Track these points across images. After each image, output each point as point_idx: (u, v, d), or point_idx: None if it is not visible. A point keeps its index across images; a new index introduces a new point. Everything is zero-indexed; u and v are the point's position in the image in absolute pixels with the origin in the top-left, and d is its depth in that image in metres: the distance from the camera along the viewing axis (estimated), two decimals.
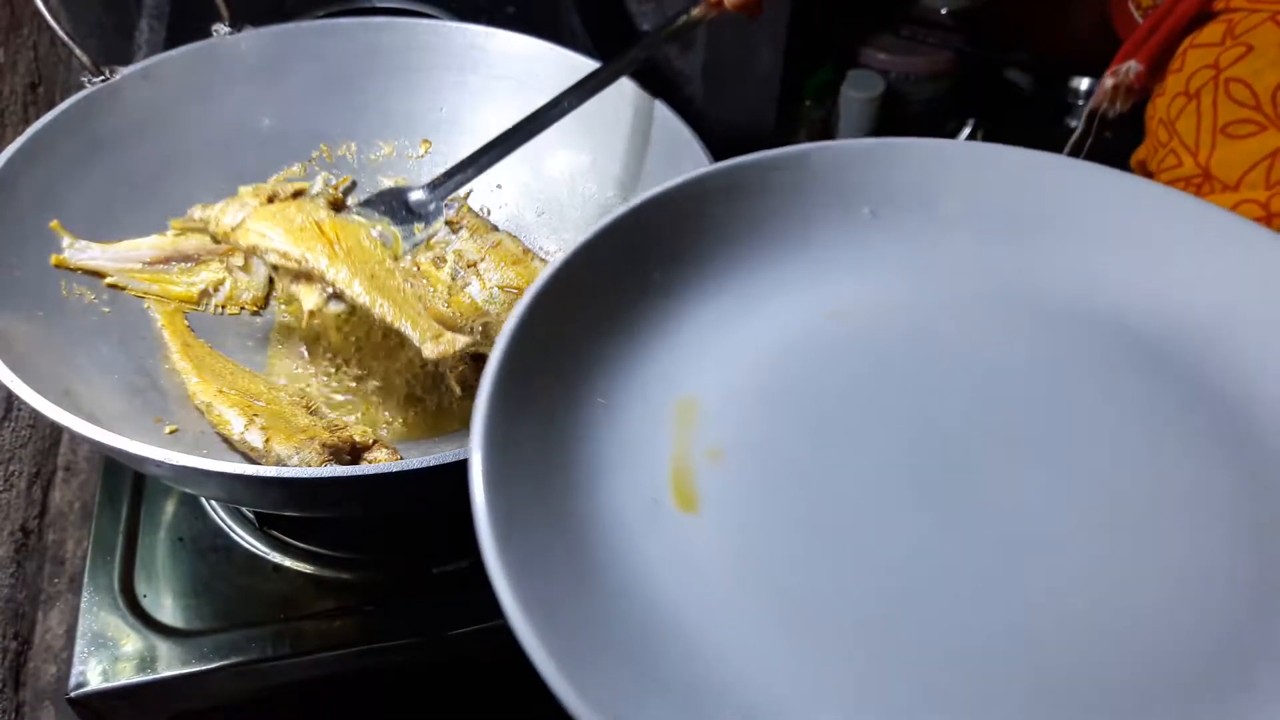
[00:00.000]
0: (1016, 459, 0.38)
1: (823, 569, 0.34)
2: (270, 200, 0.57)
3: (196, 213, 0.58)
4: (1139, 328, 0.42)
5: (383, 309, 0.52)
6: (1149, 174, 0.59)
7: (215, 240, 0.58)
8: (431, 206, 0.59)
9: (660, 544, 0.35)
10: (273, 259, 0.54)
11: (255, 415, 0.55)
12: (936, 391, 0.40)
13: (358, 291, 0.52)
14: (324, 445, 0.53)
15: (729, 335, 0.42)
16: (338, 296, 0.53)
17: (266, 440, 0.54)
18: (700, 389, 0.40)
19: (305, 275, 0.54)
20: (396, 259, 0.56)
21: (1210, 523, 0.35)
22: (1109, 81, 0.61)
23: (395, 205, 0.59)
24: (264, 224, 0.55)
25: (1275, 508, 0.35)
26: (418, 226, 0.59)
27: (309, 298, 0.54)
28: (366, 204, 0.59)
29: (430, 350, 0.50)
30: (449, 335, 0.50)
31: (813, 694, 0.31)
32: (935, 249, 0.44)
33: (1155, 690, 0.31)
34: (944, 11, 1.13)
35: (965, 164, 0.45)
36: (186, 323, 0.63)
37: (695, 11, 0.61)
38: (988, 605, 0.33)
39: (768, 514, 0.36)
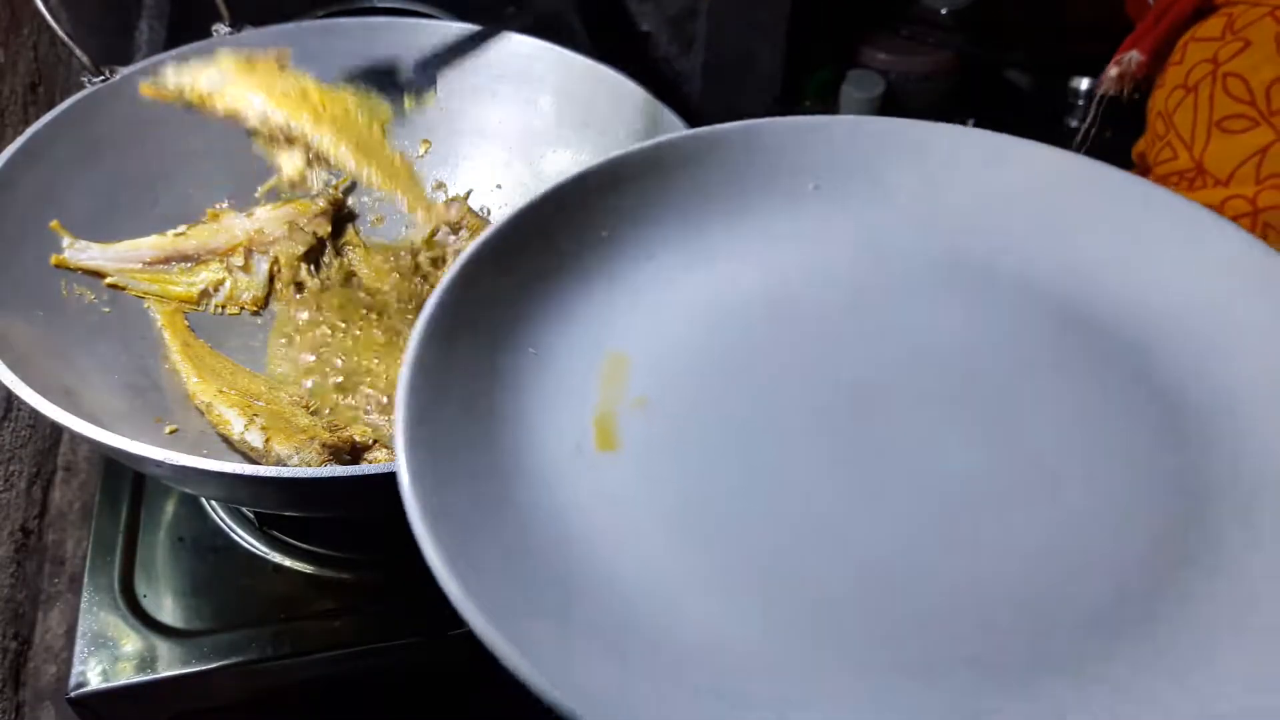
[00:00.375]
0: (941, 416, 0.39)
1: (736, 506, 0.36)
2: (250, 64, 0.55)
3: (170, 79, 0.54)
4: (1070, 299, 0.42)
5: (370, 175, 0.50)
6: (1147, 166, 0.59)
7: (190, 105, 0.54)
8: (424, 74, 0.56)
9: (581, 485, 0.36)
10: (253, 123, 0.52)
11: (255, 415, 0.55)
12: (868, 356, 0.41)
13: (344, 155, 0.50)
14: (324, 445, 0.53)
15: (667, 295, 0.43)
16: (323, 161, 0.52)
17: (266, 440, 0.54)
18: (633, 344, 0.41)
19: (287, 140, 0.52)
20: (383, 127, 0.54)
21: (1125, 475, 0.36)
22: (1113, 70, 0.61)
23: (383, 79, 0.57)
24: (244, 89, 0.52)
25: (1191, 465, 0.36)
26: (408, 99, 0.56)
27: (290, 163, 0.52)
28: (352, 78, 0.56)
29: (422, 217, 0.49)
30: (439, 205, 0.49)
31: (721, 620, 0.32)
32: (877, 223, 0.45)
33: (1057, 617, 0.32)
34: (944, 11, 1.13)
35: (909, 142, 0.46)
36: (186, 323, 0.63)
37: None
38: (894, 536, 0.35)
39: (685, 457, 0.37)
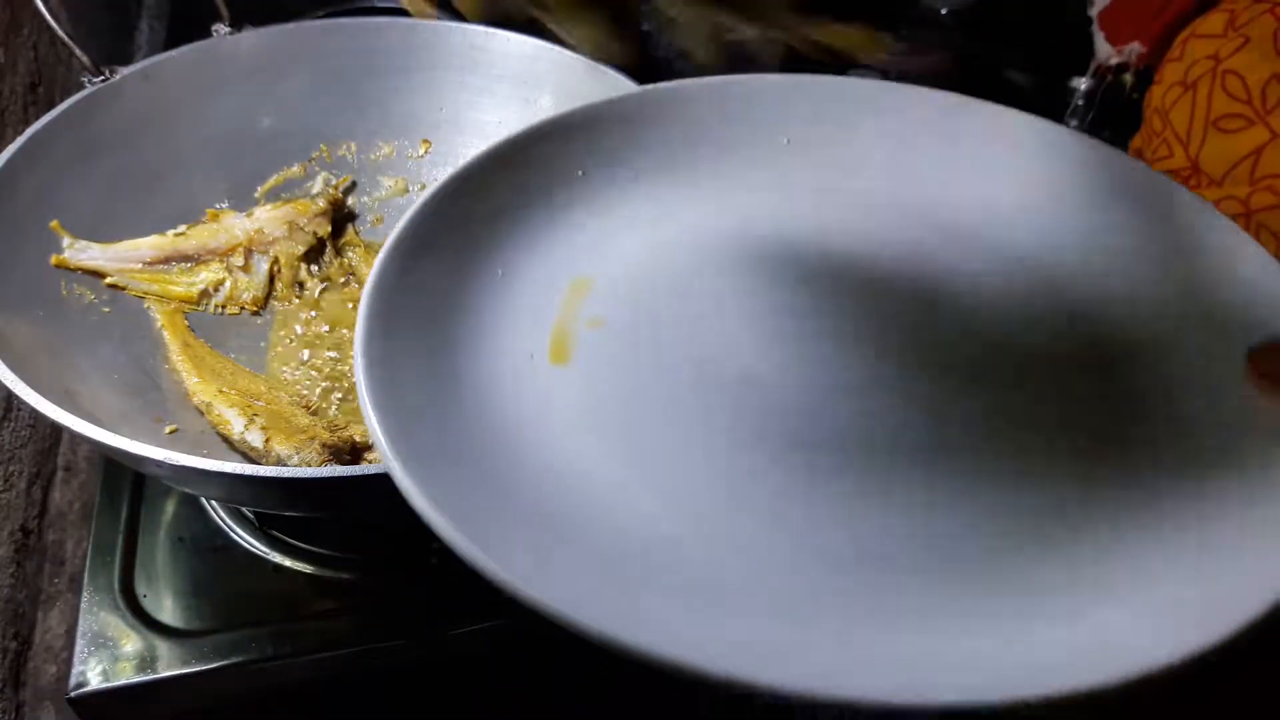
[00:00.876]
0: (888, 345, 0.40)
1: (673, 428, 0.37)
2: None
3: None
4: (1026, 256, 0.44)
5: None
6: (1144, 163, 0.59)
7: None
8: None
9: (530, 392, 0.38)
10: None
11: (255, 415, 0.55)
12: (823, 293, 0.42)
13: None
14: (324, 445, 0.53)
15: (636, 231, 0.45)
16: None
17: (267, 440, 0.54)
18: (597, 271, 0.43)
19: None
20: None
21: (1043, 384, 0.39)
22: (1114, 60, 0.61)
23: None
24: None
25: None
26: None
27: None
28: None
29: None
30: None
31: (645, 522, 0.34)
32: (846, 177, 0.48)
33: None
34: (944, 11, 1.13)
35: (878, 100, 0.48)
36: (186, 323, 0.63)
37: None
38: (831, 415, 0.37)
39: (632, 375, 0.39)
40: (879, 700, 0.26)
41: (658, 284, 0.43)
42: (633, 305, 0.42)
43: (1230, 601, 0.29)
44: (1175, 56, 0.57)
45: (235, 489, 0.49)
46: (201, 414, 0.58)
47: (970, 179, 0.47)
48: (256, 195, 0.71)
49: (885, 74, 1.16)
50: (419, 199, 0.41)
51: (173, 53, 0.67)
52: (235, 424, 0.55)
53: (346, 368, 0.63)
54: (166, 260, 0.64)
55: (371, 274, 0.39)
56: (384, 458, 0.32)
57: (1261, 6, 0.52)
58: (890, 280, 0.43)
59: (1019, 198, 0.46)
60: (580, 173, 0.46)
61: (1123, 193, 0.45)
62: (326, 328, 0.65)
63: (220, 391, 0.58)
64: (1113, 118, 0.63)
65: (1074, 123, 0.65)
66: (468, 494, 0.33)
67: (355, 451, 0.55)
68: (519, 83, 0.70)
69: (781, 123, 0.48)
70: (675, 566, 0.32)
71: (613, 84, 0.65)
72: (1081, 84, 1.11)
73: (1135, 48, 0.59)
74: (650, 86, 0.48)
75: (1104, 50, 0.62)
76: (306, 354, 0.64)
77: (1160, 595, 0.30)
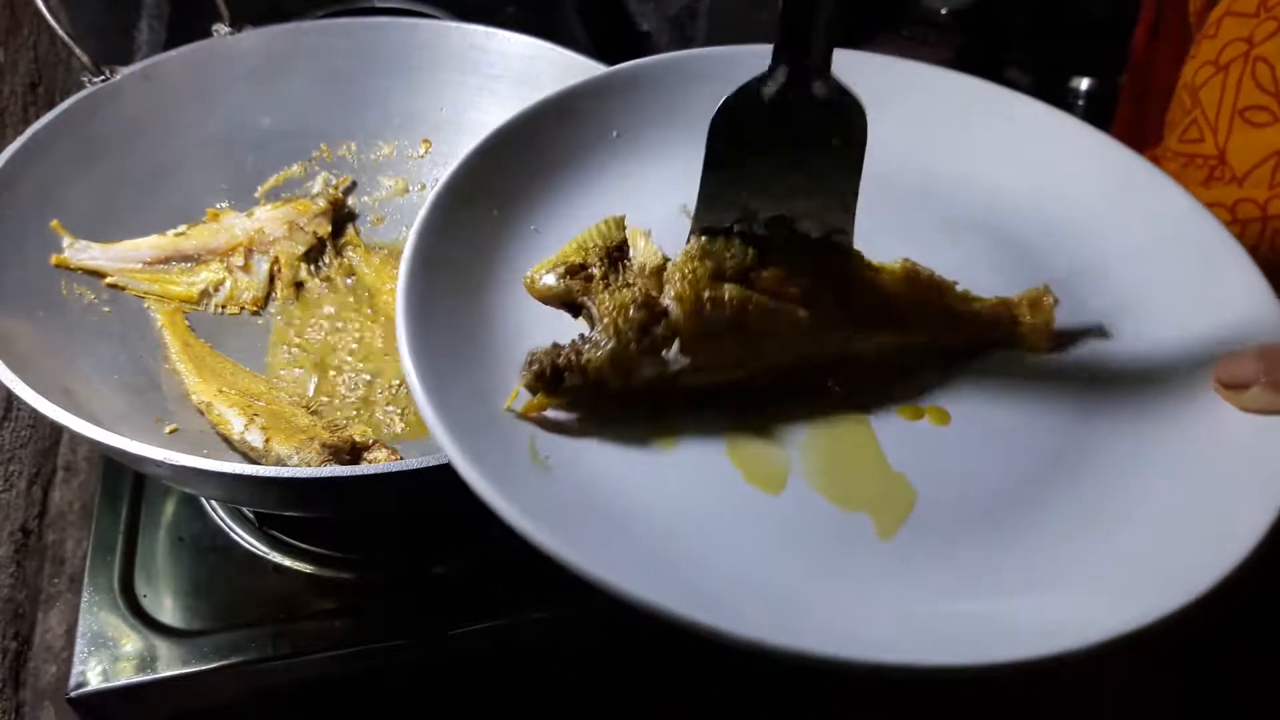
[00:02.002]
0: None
1: None
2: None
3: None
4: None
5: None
6: (1164, 136, 0.57)
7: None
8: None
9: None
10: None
11: (255, 415, 0.55)
12: None
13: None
14: (324, 445, 0.53)
15: (668, 192, 0.45)
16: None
17: (267, 440, 0.54)
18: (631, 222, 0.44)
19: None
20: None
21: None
22: None
23: None
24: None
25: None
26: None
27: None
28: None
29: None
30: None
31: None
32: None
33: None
34: (944, 11, 1.13)
35: (909, 77, 0.50)
36: (186, 323, 0.63)
37: None
38: None
39: None
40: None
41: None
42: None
43: (1172, 582, 0.32)
44: (1210, 34, 0.55)
45: (235, 489, 0.49)
46: (201, 414, 0.58)
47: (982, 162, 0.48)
48: (256, 195, 0.71)
49: None
50: (465, 153, 0.43)
51: (173, 53, 0.67)
52: (235, 424, 0.55)
53: (346, 367, 0.63)
54: (166, 260, 0.64)
55: (416, 223, 0.40)
56: (415, 396, 0.34)
57: None
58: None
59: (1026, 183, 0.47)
60: (615, 134, 0.48)
61: (1126, 194, 0.45)
62: (327, 328, 0.65)
63: (220, 391, 0.58)
64: (1107, 122, 0.63)
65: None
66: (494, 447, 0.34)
67: (355, 451, 0.55)
68: (519, 83, 0.70)
69: None
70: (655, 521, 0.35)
71: None
72: (1082, 84, 1.11)
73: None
74: (685, 52, 0.49)
75: None
76: (306, 354, 0.64)
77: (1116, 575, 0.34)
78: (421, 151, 0.73)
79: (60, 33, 0.60)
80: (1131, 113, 0.67)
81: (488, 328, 0.40)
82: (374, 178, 0.73)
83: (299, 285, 0.67)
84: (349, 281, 0.69)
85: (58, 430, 0.72)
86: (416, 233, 0.40)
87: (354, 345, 0.64)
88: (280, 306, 0.66)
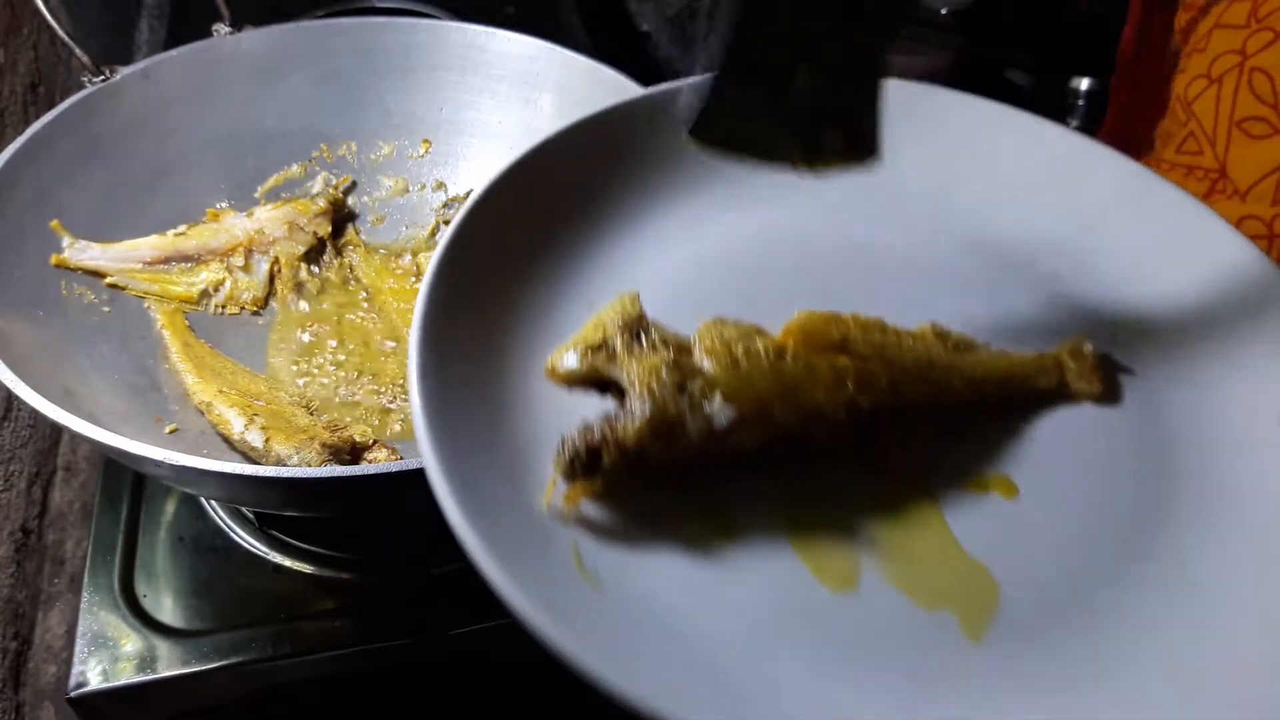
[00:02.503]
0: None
1: None
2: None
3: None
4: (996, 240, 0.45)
5: None
6: (1161, 148, 0.57)
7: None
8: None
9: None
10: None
11: (255, 415, 0.55)
12: (842, 302, 0.41)
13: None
14: (324, 445, 0.53)
15: (667, 251, 0.44)
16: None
17: (267, 440, 0.54)
18: (642, 280, 0.42)
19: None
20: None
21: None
22: None
23: None
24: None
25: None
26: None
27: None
28: None
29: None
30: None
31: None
32: (871, 178, 0.47)
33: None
34: (944, 11, 1.13)
35: (915, 103, 0.47)
36: (186, 322, 0.63)
37: None
38: None
39: None
40: None
41: (691, 301, 0.41)
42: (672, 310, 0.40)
43: None
44: (1200, 47, 0.54)
45: (235, 489, 0.49)
46: (201, 414, 0.58)
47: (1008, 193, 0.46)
48: (256, 195, 0.71)
49: None
50: (458, 217, 0.40)
51: (173, 53, 0.67)
52: (235, 424, 0.55)
53: (347, 367, 0.63)
54: (167, 260, 0.64)
55: (421, 293, 0.38)
56: (442, 500, 0.31)
57: None
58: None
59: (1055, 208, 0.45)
60: (598, 198, 0.45)
61: (1151, 220, 0.44)
62: (327, 328, 0.65)
63: (220, 391, 0.58)
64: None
65: (1074, 123, 0.64)
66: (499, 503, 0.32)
67: (355, 451, 0.55)
68: (519, 83, 0.70)
69: None
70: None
71: (613, 84, 0.65)
72: (1082, 84, 1.11)
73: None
74: (643, 92, 0.48)
75: None
76: (306, 354, 0.64)
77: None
78: (421, 151, 0.73)
79: (60, 33, 0.60)
80: (1120, 116, 0.67)
81: (510, 415, 0.37)
82: (374, 178, 0.74)
83: (299, 285, 0.67)
84: (350, 282, 0.69)
85: (58, 430, 0.72)
86: (423, 307, 0.37)
87: (353, 345, 0.64)
88: (280, 307, 0.66)
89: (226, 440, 0.56)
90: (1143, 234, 0.43)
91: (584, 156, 0.45)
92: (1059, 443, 0.38)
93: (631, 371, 0.35)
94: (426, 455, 0.32)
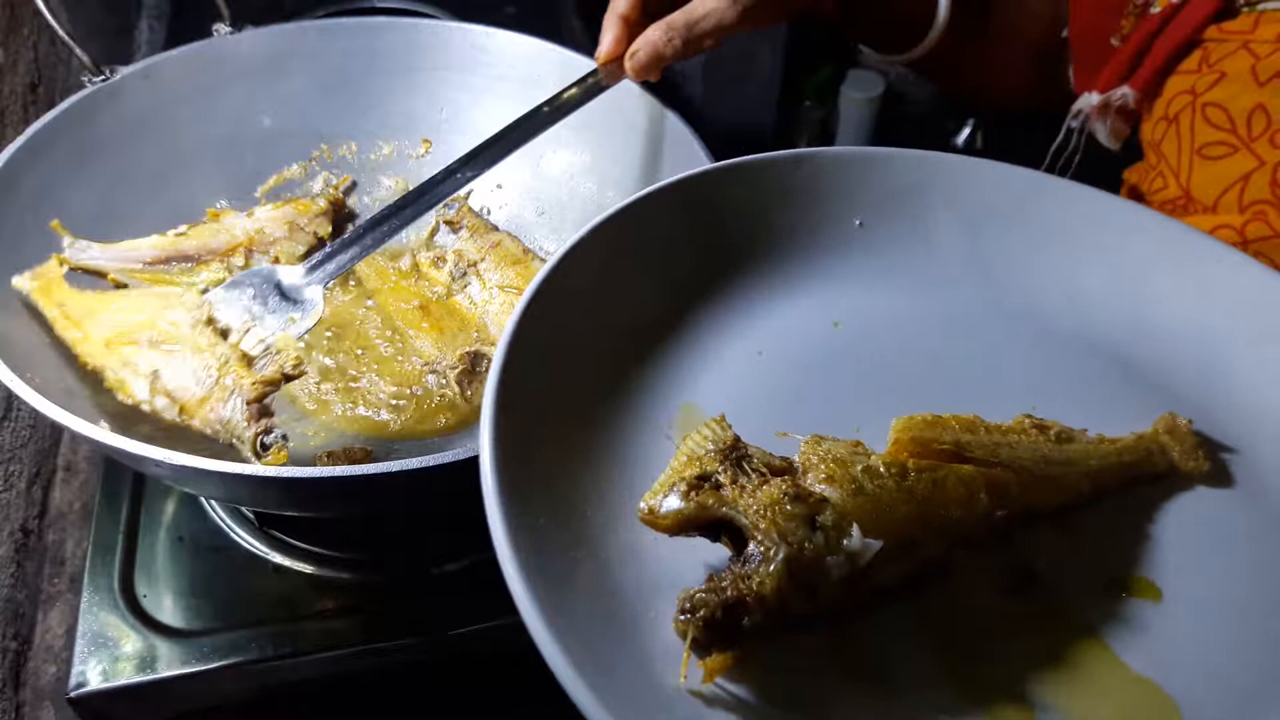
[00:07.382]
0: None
1: None
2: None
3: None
4: (1109, 339, 0.44)
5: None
6: (1139, 194, 0.58)
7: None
8: (307, 292, 0.54)
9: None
10: None
11: (157, 375, 0.51)
12: (921, 396, 0.39)
13: None
14: (253, 385, 0.50)
15: (732, 345, 0.42)
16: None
17: (180, 410, 0.51)
18: (702, 398, 0.40)
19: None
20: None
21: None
22: (1095, 98, 0.60)
23: (265, 290, 0.54)
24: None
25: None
26: (292, 318, 0.53)
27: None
28: (233, 285, 0.55)
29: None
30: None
31: None
32: (925, 260, 0.46)
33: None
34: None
35: (948, 176, 0.46)
36: (66, 285, 0.58)
37: (592, 80, 0.59)
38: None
39: None
40: None
41: (762, 407, 0.40)
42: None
43: None
44: (1156, 93, 0.57)
45: (235, 489, 0.49)
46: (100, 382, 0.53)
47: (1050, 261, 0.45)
48: (256, 195, 0.71)
49: (885, 74, 1.17)
50: (512, 318, 0.37)
51: (173, 53, 0.67)
52: (137, 389, 0.52)
53: (346, 366, 0.63)
54: (167, 260, 0.64)
55: (485, 398, 0.34)
56: (568, 686, 0.28)
57: (1232, 44, 0.53)
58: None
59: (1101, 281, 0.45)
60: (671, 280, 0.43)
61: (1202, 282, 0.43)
62: (326, 327, 0.65)
63: (108, 344, 0.53)
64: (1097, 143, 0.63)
65: (1074, 124, 0.64)
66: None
67: (276, 384, 0.52)
68: (519, 83, 0.70)
69: (851, 204, 0.45)
70: None
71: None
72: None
73: (1128, 93, 0.58)
74: (708, 166, 0.46)
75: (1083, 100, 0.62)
76: (305, 354, 0.64)
77: None
78: (421, 151, 0.73)
79: (60, 33, 0.60)
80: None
81: (609, 566, 0.32)
82: (374, 178, 0.73)
83: None
84: (350, 282, 0.69)
85: (58, 430, 0.72)
86: (491, 436, 0.33)
87: (352, 345, 0.64)
88: None
89: (137, 408, 0.52)
90: (1195, 296, 0.43)
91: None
92: (1184, 533, 0.36)
93: (748, 508, 0.30)
94: (529, 616, 0.28)
